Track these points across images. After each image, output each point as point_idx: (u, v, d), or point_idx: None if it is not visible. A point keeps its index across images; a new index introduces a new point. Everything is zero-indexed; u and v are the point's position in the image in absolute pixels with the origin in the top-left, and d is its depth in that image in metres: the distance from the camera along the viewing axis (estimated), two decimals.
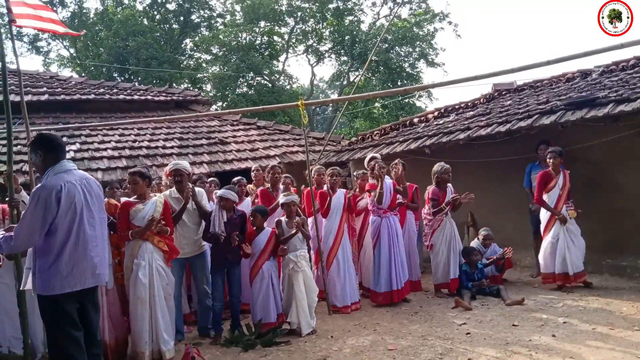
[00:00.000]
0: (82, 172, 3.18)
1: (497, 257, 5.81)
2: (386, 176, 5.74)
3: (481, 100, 8.90)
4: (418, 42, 21.08)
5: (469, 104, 8.85)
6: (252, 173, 6.35)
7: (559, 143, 5.67)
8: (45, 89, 9.99)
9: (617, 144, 5.46)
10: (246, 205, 5.41)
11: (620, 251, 5.60)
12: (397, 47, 20.81)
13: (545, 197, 5.44)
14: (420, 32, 21.23)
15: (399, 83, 20.33)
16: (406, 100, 20.11)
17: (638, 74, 6.46)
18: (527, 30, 55.00)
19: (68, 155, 7.27)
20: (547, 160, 5.45)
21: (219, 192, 4.74)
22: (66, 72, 22.08)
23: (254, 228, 4.79)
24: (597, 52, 4.38)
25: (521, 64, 4.64)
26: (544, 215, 5.54)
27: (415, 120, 9.10)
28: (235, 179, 5.65)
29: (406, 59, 21.35)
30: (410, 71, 21.27)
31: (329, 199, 5.42)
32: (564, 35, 50.57)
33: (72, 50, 23.25)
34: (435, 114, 8.99)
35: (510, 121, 6.21)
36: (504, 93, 8.88)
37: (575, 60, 4.73)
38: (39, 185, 3.02)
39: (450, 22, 21.69)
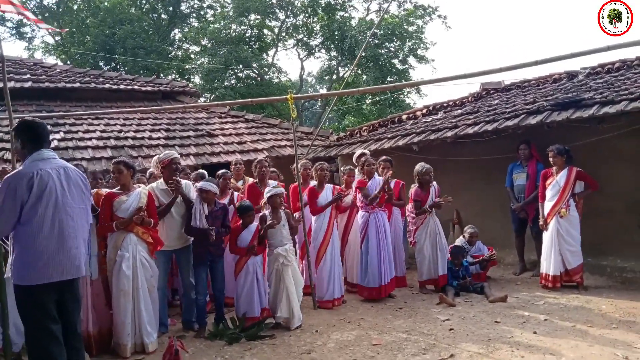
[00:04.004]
0: (61, 162, 3.09)
1: (484, 258, 5.90)
2: (375, 173, 5.78)
3: (469, 98, 8.95)
4: (408, 38, 21.07)
5: (457, 102, 8.90)
6: (231, 167, 6.29)
7: (544, 143, 5.72)
8: (28, 75, 9.77)
9: (601, 145, 5.55)
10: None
11: (601, 251, 5.70)
12: (386, 43, 20.79)
13: (547, 193, 5.45)
14: (410, 28, 21.22)
15: (389, 79, 20.32)
16: (395, 97, 20.12)
17: (623, 77, 6.56)
18: (517, 26, 55.39)
19: (52, 144, 7.21)
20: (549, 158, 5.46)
21: (199, 184, 4.66)
22: (51, 60, 21.67)
23: (240, 223, 4.76)
24: (584, 53, 4.44)
25: (510, 63, 4.67)
26: (546, 212, 5.48)
27: (404, 117, 9.12)
28: (220, 172, 5.59)
29: (396, 55, 21.34)
30: (400, 67, 21.27)
31: (318, 195, 5.40)
32: (552, 35, 51.06)
33: (57, 38, 22.78)
34: (424, 111, 9.02)
35: (497, 120, 6.27)
36: (491, 92, 8.94)
37: (562, 62, 4.78)
38: (11, 172, 2.98)
39: (439, 16, 21.67)
